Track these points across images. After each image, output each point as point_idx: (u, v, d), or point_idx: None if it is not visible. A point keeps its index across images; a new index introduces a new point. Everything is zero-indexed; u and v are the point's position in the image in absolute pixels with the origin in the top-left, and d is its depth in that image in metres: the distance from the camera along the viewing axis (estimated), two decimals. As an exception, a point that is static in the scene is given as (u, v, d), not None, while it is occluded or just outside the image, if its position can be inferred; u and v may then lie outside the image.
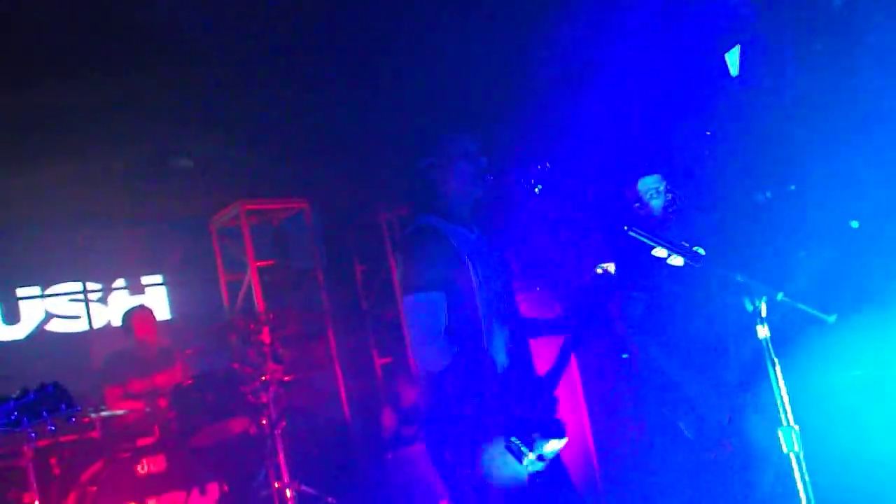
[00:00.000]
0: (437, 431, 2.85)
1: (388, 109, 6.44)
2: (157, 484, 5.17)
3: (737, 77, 5.21)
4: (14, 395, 2.66)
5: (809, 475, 2.57)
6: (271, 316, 6.18)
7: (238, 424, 5.74)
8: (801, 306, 2.63)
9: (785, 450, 2.60)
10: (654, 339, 4.42)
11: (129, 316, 6.21)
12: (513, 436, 2.65)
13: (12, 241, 6.76)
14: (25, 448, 4.70)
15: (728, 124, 5.05)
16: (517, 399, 2.76)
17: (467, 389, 2.75)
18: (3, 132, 5.42)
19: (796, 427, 2.61)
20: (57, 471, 5.19)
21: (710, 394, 4.32)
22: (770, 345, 2.63)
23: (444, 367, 2.74)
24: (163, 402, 5.66)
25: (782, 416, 2.61)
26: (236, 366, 5.83)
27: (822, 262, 4.03)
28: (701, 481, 4.26)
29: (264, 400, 5.63)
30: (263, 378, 5.62)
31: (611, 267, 4.86)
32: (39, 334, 7.03)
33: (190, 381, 5.66)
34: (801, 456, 2.58)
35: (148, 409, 5.61)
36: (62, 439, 5.45)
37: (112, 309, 7.32)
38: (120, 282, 7.52)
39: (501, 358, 2.85)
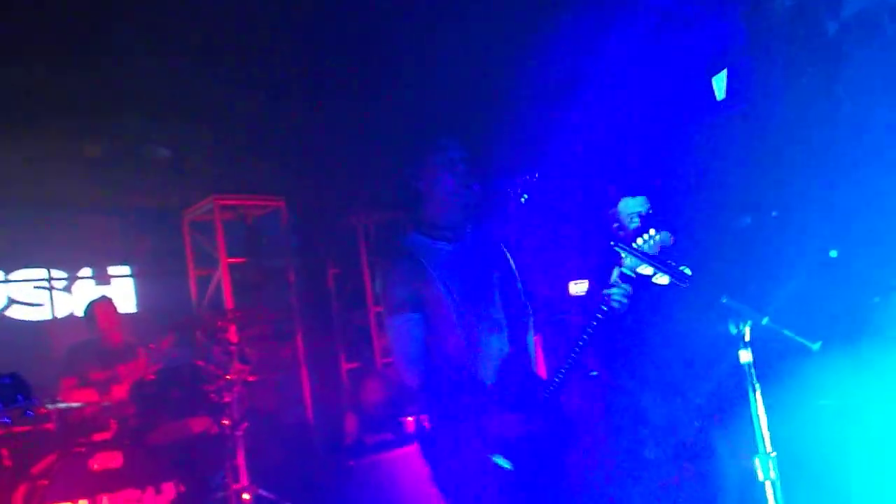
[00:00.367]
0: (423, 444, 2.90)
1: (370, 115, 6.40)
2: (111, 480, 5.00)
3: (722, 101, 5.21)
4: None
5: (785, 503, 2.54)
6: (239, 314, 6.06)
7: (199, 423, 5.61)
8: (787, 332, 2.59)
9: (761, 477, 2.57)
10: (622, 359, 4.38)
11: (91, 307, 6.10)
12: (492, 453, 2.67)
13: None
14: (-25, 437, 4.56)
15: (712, 147, 5.05)
16: (500, 414, 2.74)
17: (444, 406, 2.79)
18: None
19: (773, 454, 2.58)
20: (8, 462, 5.01)
21: (675, 417, 4.28)
22: (752, 370, 2.60)
23: (420, 384, 2.81)
24: (120, 394, 5.53)
25: (760, 442, 2.58)
26: (201, 363, 5.70)
27: (802, 290, 4.02)
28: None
29: (227, 400, 5.51)
30: (228, 377, 5.50)
31: (583, 285, 4.83)
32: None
33: (152, 377, 5.52)
34: (778, 483, 2.54)
35: (105, 403, 5.47)
36: (15, 430, 5.27)
37: (76, 298, 7.15)
38: (86, 271, 7.35)
39: (485, 372, 2.83)
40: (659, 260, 2.79)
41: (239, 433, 5.52)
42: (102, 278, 7.44)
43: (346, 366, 8.00)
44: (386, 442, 6.16)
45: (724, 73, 5.23)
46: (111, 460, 5.06)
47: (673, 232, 4.40)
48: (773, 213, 4.58)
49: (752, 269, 4.18)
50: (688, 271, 2.71)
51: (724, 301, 2.59)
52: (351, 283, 8.14)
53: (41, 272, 7.06)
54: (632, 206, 4.39)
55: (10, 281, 6.91)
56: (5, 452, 5.04)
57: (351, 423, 6.84)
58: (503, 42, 5.40)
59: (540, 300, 3.17)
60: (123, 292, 7.41)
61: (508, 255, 3.05)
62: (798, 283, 4.11)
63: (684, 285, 2.68)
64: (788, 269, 4.16)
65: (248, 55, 5.40)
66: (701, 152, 5.06)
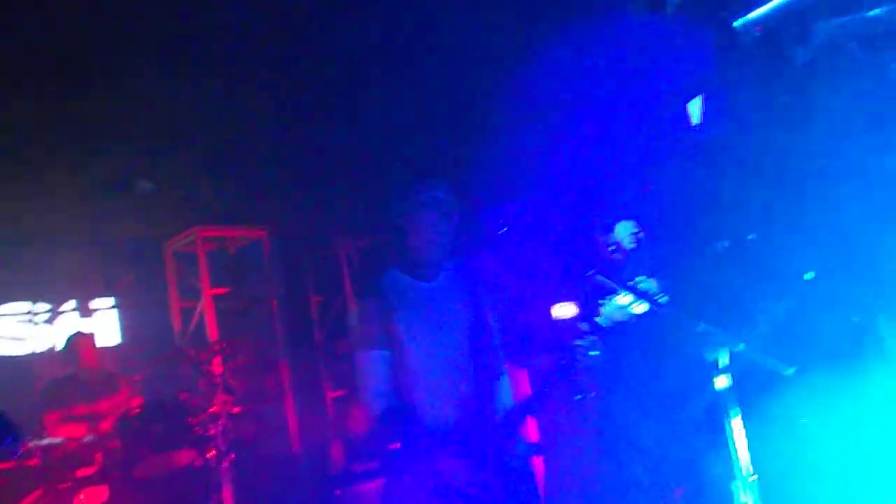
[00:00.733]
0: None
1: (350, 142, 6.43)
2: (97, 516, 5.00)
3: (697, 127, 5.30)
4: None
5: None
6: (223, 345, 6.07)
7: (184, 456, 5.59)
8: (760, 359, 2.65)
9: (743, 499, 2.61)
10: (613, 386, 4.42)
11: (70, 341, 6.08)
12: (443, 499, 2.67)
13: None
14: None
15: (689, 172, 5.13)
16: (452, 460, 2.73)
17: (398, 447, 2.80)
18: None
19: (755, 477, 2.62)
20: (-8, 499, 4.99)
21: (666, 440, 4.33)
22: (730, 394, 2.64)
23: (374, 420, 2.83)
24: (105, 428, 5.51)
25: (739, 466, 2.62)
26: (185, 396, 5.69)
27: (779, 313, 4.09)
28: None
29: (212, 432, 5.50)
30: (212, 409, 5.50)
31: (571, 309, 4.87)
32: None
33: (136, 411, 5.51)
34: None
35: (90, 438, 5.44)
36: (-1, 467, 5.24)
37: (57, 331, 7.12)
38: (70, 303, 7.33)
39: (443, 416, 2.82)
40: (638, 289, 2.84)
41: (225, 465, 5.51)
42: (86, 310, 7.42)
43: (331, 394, 7.99)
44: (373, 470, 6.16)
45: (698, 100, 5.32)
46: (98, 495, 5.06)
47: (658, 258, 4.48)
48: (750, 237, 4.65)
49: (729, 292, 4.24)
50: (664, 299, 2.76)
51: (701, 329, 2.64)
52: (334, 311, 8.14)
53: (25, 305, 7.04)
54: (627, 229, 4.49)
55: (-6, 316, 6.90)
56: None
57: (337, 452, 6.83)
58: (482, 71, 5.47)
59: (525, 327, 3.18)
60: (107, 324, 7.40)
61: (487, 295, 3.04)
62: (775, 306, 4.19)
63: (661, 313, 2.73)
64: (765, 291, 4.23)
65: (227, 86, 5.43)
66: (678, 177, 5.14)
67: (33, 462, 5.36)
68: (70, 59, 4.67)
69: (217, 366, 5.91)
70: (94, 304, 7.49)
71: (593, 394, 4.92)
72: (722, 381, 2.65)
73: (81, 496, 5.02)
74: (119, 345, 7.42)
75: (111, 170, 6.31)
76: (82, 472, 5.20)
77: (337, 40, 5.03)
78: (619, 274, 3.86)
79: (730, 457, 2.63)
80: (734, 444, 2.63)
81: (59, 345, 6.86)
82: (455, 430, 2.81)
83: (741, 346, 2.64)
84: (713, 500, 3.99)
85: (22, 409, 5.34)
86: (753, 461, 2.65)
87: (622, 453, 4.40)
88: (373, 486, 5.81)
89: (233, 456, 5.57)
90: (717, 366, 2.64)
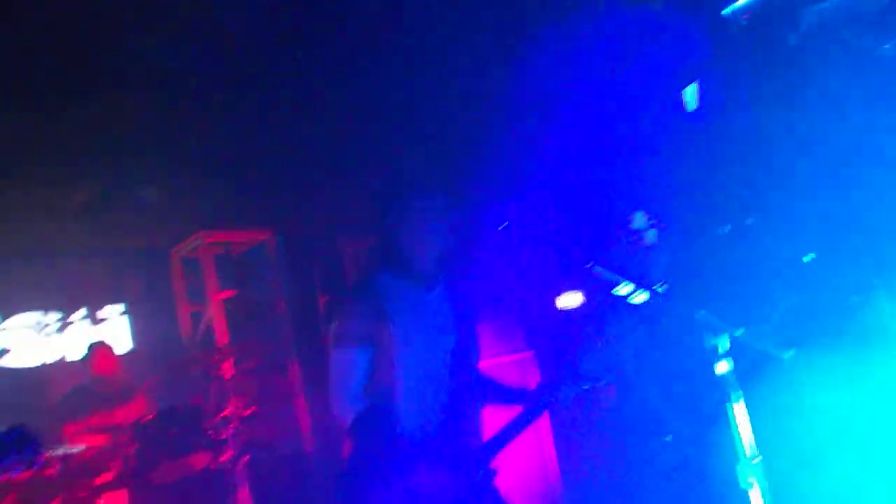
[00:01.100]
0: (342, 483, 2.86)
1: (353, 141, 6.47)
2: (116, 521, 5.08)
3: (694, 112, 5.32)
4: None
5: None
6: (233, 348, 6.13)
7: (200, 460, 5.66)
8: (759, 344, 2.69)
9: (747, 482, 2.66)
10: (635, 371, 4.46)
11: (89, 352, 6.15)
12: None
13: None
14: (-21, 487, 4.60)
15: (686, 159, 5.16)
16: (418, 467, 2.69)
17: (371, 454, 2.74)
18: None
19: (758, 459, 2.67)
20: (14, 508, 5.06)
21: (669, 425, 4.38)
22: (732, 380, 2.70)
23: (347, 423, 2.76)
24: (123, 438, 5.59)
25: (743, 449, 2.67)
26: (198, 400, 5.77)
27: (780, 294, 4.12)
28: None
29: (226, 435, 5.57)
30: (225, 413, 5.56)
31: (575, 297, 4.91)
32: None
33: (151, 417, 5.59)
34: (766, 490, 2.64)
35: (107, 446, 5.52)
36: (17, 478, 5.30)
37: (68, 340, 7.20)
38: (80, 312, 7.41)
39: (415, 422, 2.80)
40: (635, 278, 2.88)
41: (240, 467, 5.58)
42: (96, 319, 7.50)
43: (342, 392, 8.03)
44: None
45: (694, 86, 5.35)
46: (117, 501, 5.13)
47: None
48: (749, 221, 4.68)
49: (729, 278, 4.28)
50: (662, 288, 2.80)
51: (699, 315, 2.69)
52: (342, 310, 8.17)
53: (36, 316, 7.12)
54: (642, 220, 4.52)
55: (4, 329, 6.97)
56: (10, 499, 5.08)
57: (348, 450, 6.88)
58: (477, 68, 5.50)
59: (530, 318, 3.23)
60: (117, 332, 7.48)
61: (474, 321, 3.02)
62: (775, 288, 4.22)
63: (660, 303, 2.78)
64: (765, 275, 4.27)
65: (228, 90, 5.47)
66: (674, 164, 5.17)
67: (51, 471, 5.43)
68: (70, 67, 4.72)
69: (228, 369, 5.97)
70: (104, 312, 7.56)
71: (603, 383, 4.97)
72: (723, 367, 2.71)
73: (101, 502, 5.09)
74: (131, 351, 7.50)
75: (116, 179, 6.37)
76: (100, 480, 5.27)
77: (337, 41, 5.07)
78: (638, 266, 3.88)
79: (733, 440, 2.68)
80: (737, 427, 2.68)
81: (71, 355, 6.96)
82: (433, 441, 2.79)
83: (740, 332, 2.70)
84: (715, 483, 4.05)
85: (37, 419, 5.43)
86: (757, 444, 2.70)
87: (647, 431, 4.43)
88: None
89: (247, 457, 5.64)
90: (718, 351, 2.70)
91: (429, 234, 2.89)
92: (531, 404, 2.94)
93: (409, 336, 2.82)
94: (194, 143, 5.99)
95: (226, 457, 5.54)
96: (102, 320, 7.51)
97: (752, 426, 2.71)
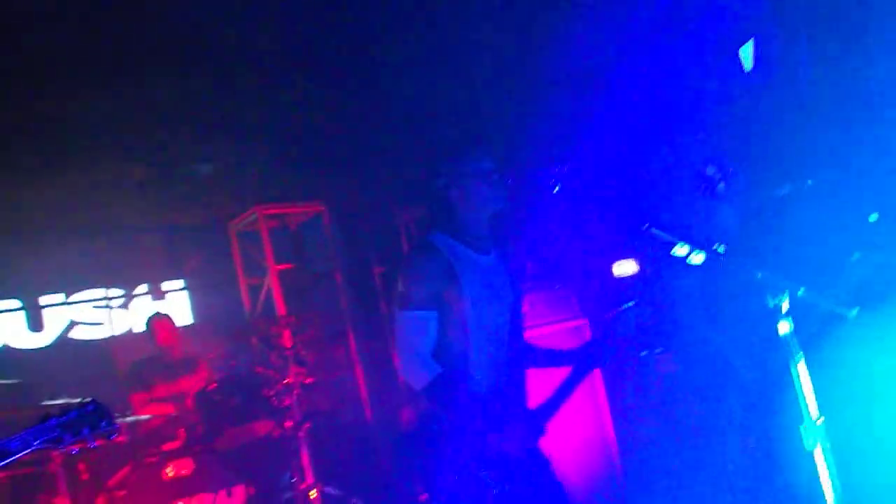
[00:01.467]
0: (417, 446, 2.90)
1: (403, 112, 6.47)
2: (184, 487, 5.23)
3: (751, 72, 5.20)
4: (55, 413, 2.69)
5: (837, 470, 2.59)
6: (292, 319, 6.23)
7: (262, 427, 5.81)
8: (823, 302, 2.64)
9: (811, 444, 2.63)
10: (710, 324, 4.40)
11: (150, 323, 6.34)
12: (483, 468, 2.67)
13: (35, 250, 6.85)
14: (54, 454, 4.77)
15: (743, 119, 5.05)
16: (496, 429, 2.71)
17: (444, 412, 2.78)
18: (24, 143, 5.49)
19: (821, 419, 2.63)
20: (85, 476, 5.25)
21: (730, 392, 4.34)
22: (794, 340, 2.65)
23: (423, 387, 2.77)
24: (188, 406, 5.74)
25: (806, 410, 2.63)
26: (259, 369, 5.88)
27: (843, 255, 4.04)
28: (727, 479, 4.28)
29: (287, 403, 5.67)
30: (286, 381, 5.67)
31: (630, 265, 4.87)
32: (63, 342, 7.14)
33: (214, 385, 5.73)
34: (828, 451, 2.60)
35: (173, 414, 5.68)
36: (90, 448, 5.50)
37: (134, 315, 7.40)
38: (142, 287, 7.61)
39: (487, 383, 2.83)
40: (695, 238, 2.84)
41: (301, 434, 5.69)
42: (158, 293, 7.70)
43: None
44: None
45: (750, 44, 5.22)
46: (183, 467, 5.28)
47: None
48: (809, 182, 4.58)
49: (791, 238, 4.20)
50: (721, 248, 2.75)
51: (759, 276, 2.65)
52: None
53: (100, 292, 7.33)
54: (712, 171, 4.46)
55: (71, 303, 7.19)
56: (82, 467, 5.28)
57: (408, 417, 6.96)
58: (526, 31, 5.43)
59: (585, 284, 3.22)
60: (179, 306, 7.66)
61: (521, 279, 3.07)
62: (838, 248, 4.13)
63: (719, 263, 2.74)
64: (828, 235, 4.17)
65: (282, 71, 5.51)
66: (732, 125, 5.07)
67: (121, 439, 5.63)
68: (125, 45, 4.78)
69: (287, 339, 6.08)
70: (165, 286, 7.75)
71: (660, 350, 4.94)
72: (784, 327, 2.66)
73: (168, 469, 5.24)
74: (192, 324, 7.67)
75: (172, 156, 6.49)
76: (168, 447, 5.43)
77: (378, 10, 5.05)
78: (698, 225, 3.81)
79: (797, 401, 2.64)
80: (801, 388, 2.64)
81: (137, 327, 7.16)
82: (502, 400, 2.82)
83: (801, 291, 2.64)
84: (780, 445, 4.00)
85: (106, 390, 5.63)
86: (819, 404, 2.66)
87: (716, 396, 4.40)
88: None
89: (308, 424, 5.75)
90: (780, 312, 2.65)
91: (479, 197, 2.91)
92: (576, 365, 2.97)
93: (476, 296, 2.83)
94: (249, 119, 6.06)
95: (288, 424, 5.66)
96: (164, 295, 7.70)
97: (816, 387, 2.67)
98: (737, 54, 5.24)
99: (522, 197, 3.00)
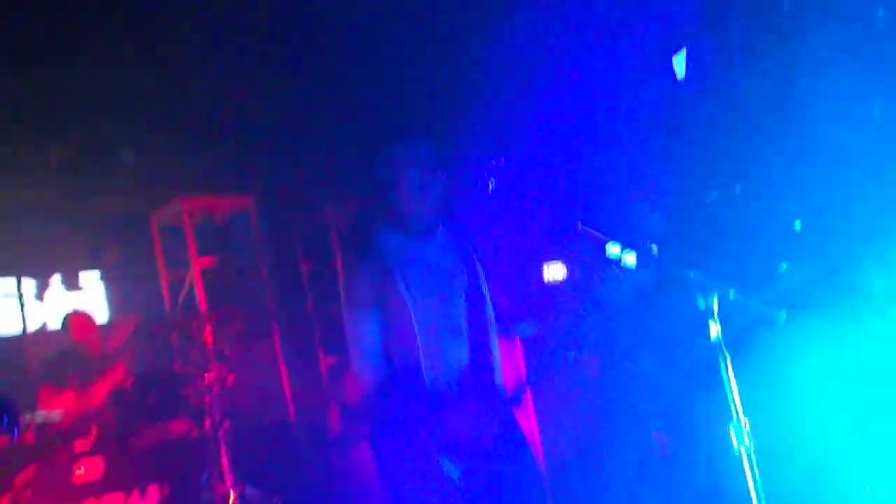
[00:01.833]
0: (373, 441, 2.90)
1: (337, 107, 6.39)
2: (95, 487, 5.03)
3: (683, 80, 5.28)
4: None
5: (759, 470, 2.62)
6: (214, 315, 6.06)
7: (179, 426, 5.61)
8: (753, 304, 2.66)
9: (735, 445, 2.64)
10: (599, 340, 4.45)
11: (67, 319, 6.07)
12: (441, 457, 2.68)
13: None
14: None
15: (675, 125, 5.12)
16: (455, 419, 2.72)
17: (396, 408, 2.77)
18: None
19: (746, 421, 2.65)
20: (-12, 474, 4.99)
21: (648, 388, 4.38)
22: (722, 342, 2.67)
23: (372, 384, 2.79)
24: (100, 400, 5.53)
25: (734, 410, 2.65)
26: (178, 366, 5.70)
27: (769, 262, 4.11)
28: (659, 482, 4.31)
29: (207, 400, 5.51)
30: (206, 379, 5.50)
31: (560, 269, 4.88)
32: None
33: (130, 382, 5.52)
34: (752, 451, 2.62)
35: (85, 411, 5.46)
36: (-7, 444, 5.24)
37: (48, 307, 7.09)
38: (56, 278, 7.29)
39: (439, 375, 2.80)
40: (627, 238, 2.84)
41: (221, 433, 5.52)
42: (72, 284, 7.38)
43: (324, 360, 7.99)
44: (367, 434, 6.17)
45: (683, 53, 5.30)
46: (94, 467, 5.07)
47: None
48: (737, 188, 4.66)
49: (719, 243, 4.26)
50: (654, 249, 2.76)
51: (691, 276, 2.65)
52: (325, 278, 8.12)
53: (10, 282, 7.00)
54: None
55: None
56: (-14, 465, 5.01)
57: (334, 417, 6.86)
58: (465, 30, 5.42)
59: (514, 289, 3.19)
60: (95, 298, 7.36)
61: (477, 259, 3.03)
62: (764, 256, 4.20)
63: (651, 263, 2.74)
64: (754, 242, 4.25)
65: (210, 53, 5.37)
66: (664, 131, 5.13)
67: (28, 438, 5.37)
68: (44, 29, 4.60)
69: (209, 335, 5.90)
70: (81, 277, 7.44)
71: (585, 352, 4.96)
72: (714, 329, 2.68)
73: (79, 469, 5.03)
74: (108, 317, 7.40)
75: (94, 142, 6.26)
76: (78, 445, 5.20)
77: (321, 4, 4.97)
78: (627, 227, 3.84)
79: (725, 401, 2.66)
80: (729, 388, 2.66)
81: (51, 321, 6.86)
82: (455, 392, 2.79)
83: (732, 293, 2.66)
84: (693, 445, 4.06)
85: (17, 386, 5.37)
86: (744, 406, 2.68)
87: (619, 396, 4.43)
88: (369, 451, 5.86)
89: (228, 424, 5.59)
90: (710, 313, 2.66)
91: (417, 186, 2.90)
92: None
93: (418, 290, 2.82)
94: (175, 106, 5.89)
95: (207, 423, 5.48)
96: (78, 286, 7.39)
97: (742, 389, 2.69)
98: (670, 62, 5.31)
99: (459, 184, 2.97)
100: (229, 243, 7.55)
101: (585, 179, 4.45)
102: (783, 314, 2.67)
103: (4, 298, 6.76)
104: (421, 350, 2.79)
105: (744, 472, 2.61)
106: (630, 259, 2.88)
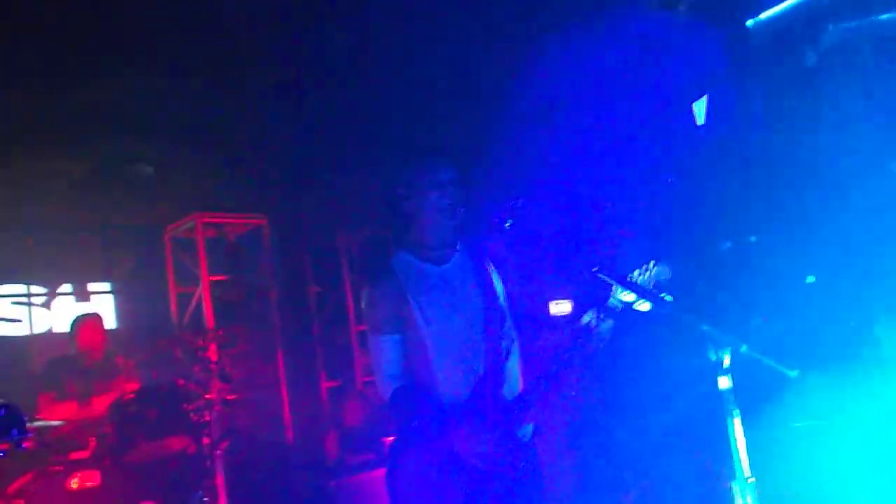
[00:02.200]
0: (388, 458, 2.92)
1: (355, 134, 6.41)
2: (88, 499, 4.96)
3: (703, 127, 5.28)
4: None
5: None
6: (220, 332, 6.03)
7: (178, 442, 5.56)
8: (765, 360, 2.62)
9: (741, 501, 2.60)
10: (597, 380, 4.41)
11: (76, 323, 6.04)
12: (452, 475, 2.69)
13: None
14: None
15: (692, 173, 5.11)
16: (465, 436, 2.72)
17: (410, 427, 2.82)
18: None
19: (752, 479, 2.61)
20: (-18, 480, 4.95)
21: (636, 437, 4.33)
22: (731, 395, 2.63)
23: (389, 404, 2.86)
24: (100, 411, 5.49)
25: (739, 467, 2.61)
26: (181, 382, 5.67)
27: (780, 315, 4.07)
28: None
29: (207, 419, 5.46)
30: (208, 396, 5.47)
31: (567, 306, 4.85)
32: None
33: (131, 396, 5.48)
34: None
35: (84, 421, 5.43)
36: (-6, 451, 5.21)
37: (55, 314, 7.10)
38: (66, 287, 7.31)
39: (457, 389, 2.82)
40: (641, 287, 2.82)
41: (218, 452, 5.47)
42: (82, 295, 7.39)
43: (326, 384, 7.97)
44: (367, 462, 6.14)
45: (704, 100, 5.30)
46: (89, 479, 5.02)
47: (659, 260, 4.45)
48: (752, 238, 4.64)
49: (731, 294, 4.23)
50: (669, 298, 2.73)
51: (705, 328, 2.62)
52: (332, 302, 8.12)
53: (21, 288, 7.01)
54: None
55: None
56: (-19, 470, 4.98)
57: (332, 443, 6.81)
58: (490, 66, 5.45)
59: (519, 319, 3.16)
60: (104, 309, 7.36)
61: (495, 274, 3.04)
62: (776, 309, 4.17)
63: (665, 312, 2.71)
64: (767, 294, 4.21)
65: (230, 74, 5.41)
66: (681, 178, 5.12)
67: (26, 444, 5.34)
68: (67, 48, 4.65)
69: (213, 353, 5.88)
70: (91, 288, 7.46)
71: (573, 393, 4.92)
72: (724, 382, 2.64)
73: (74, 480, 4.98)
74: (115, 329, 7.39)
75: (111, 157, 6.30)
76: (75, 456, 5.17)
77: (337, 30, 5.00)
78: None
79: (730, 457, 2.62)
80: (735, 444, 2.62)
81: (58, 326, 6.85)
82: (469, 408, 2.80)
83: (744, 348, 2.63)
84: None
85: (19, 390, 5.35)
86: (752, 463, 2.63)
87: (590, 449, 4.39)
88: (367, 478, 5.80)
89: (226, 443, 5.55)
90: (721, 366, 2.63)
91: (436, 208, 2.89)
92: None
93: (433, 313, 2.85)
94: (194, 124, 5.92)
95: (205, 441, 5.44)
96: (89, 296, 7.40)
97: (749, 445, 2.64)
98: (690, 108, 5.32)
99: (475, 229, 2.97)
100: (240, 262, 7.56)
101: (600, 222, 4.43)
102: (796, 370, 2.63)
103: (13, 304, 6.76)
104: (437, 369, 2.82)
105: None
106: (644, 307, 2.85)
